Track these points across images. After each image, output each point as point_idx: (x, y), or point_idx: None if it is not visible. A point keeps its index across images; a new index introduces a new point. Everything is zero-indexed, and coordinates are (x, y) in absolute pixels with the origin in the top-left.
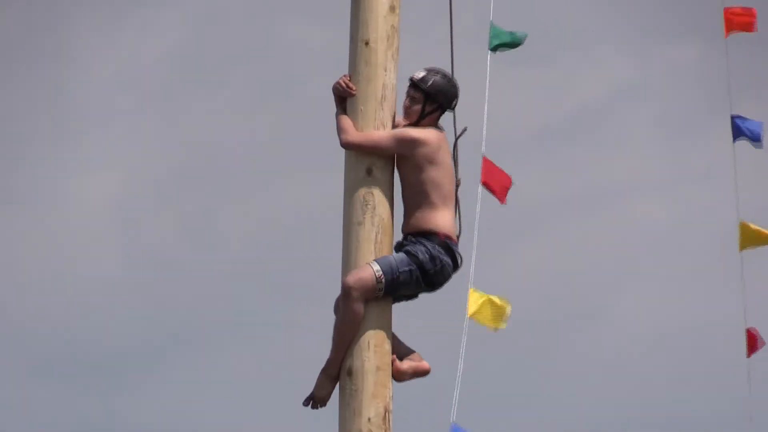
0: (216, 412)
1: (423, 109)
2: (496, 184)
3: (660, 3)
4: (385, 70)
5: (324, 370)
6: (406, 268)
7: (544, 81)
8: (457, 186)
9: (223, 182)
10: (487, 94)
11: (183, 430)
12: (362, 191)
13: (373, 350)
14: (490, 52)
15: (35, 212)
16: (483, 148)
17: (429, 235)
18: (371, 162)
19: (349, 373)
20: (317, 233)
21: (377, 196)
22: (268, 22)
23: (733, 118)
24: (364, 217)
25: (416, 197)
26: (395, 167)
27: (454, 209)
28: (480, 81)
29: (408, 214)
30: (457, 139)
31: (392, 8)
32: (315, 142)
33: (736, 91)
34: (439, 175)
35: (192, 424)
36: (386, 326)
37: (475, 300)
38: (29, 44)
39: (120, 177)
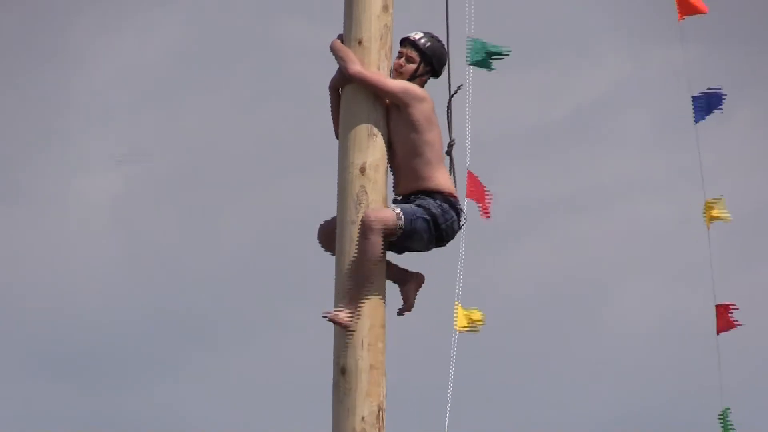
0: (211, 409)
1: (417, 69)
2: (479, 198)
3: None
4: (378, 69)
5: (348, 305)
6: (423, 216)
7: (540, 82)
8: (451, 146)
9: (223, 181)
10: (468, 107)
11: (180, 425)
12: (355, 190)
13: (366, 349)
14: (469, 65)
15: (37, 211)
16: (467, 161)
17: (432, 193)
18: (364, 161)
19: (343, 371)
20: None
21: (371, 194)
22: (265, 21)
23: (693, 99)
24: (357, 216)
25: (412, 157)
26: (388, 133)
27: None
28: (477, 84)
29: (404, 175)
30: (451, 97)
31: (385, 7)
32: (310, 141)
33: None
34: (435, 134)
35: (191, 420)
36: (379, 324)
37: (460, 314)
38: (31, 44)
39: (121, 176)
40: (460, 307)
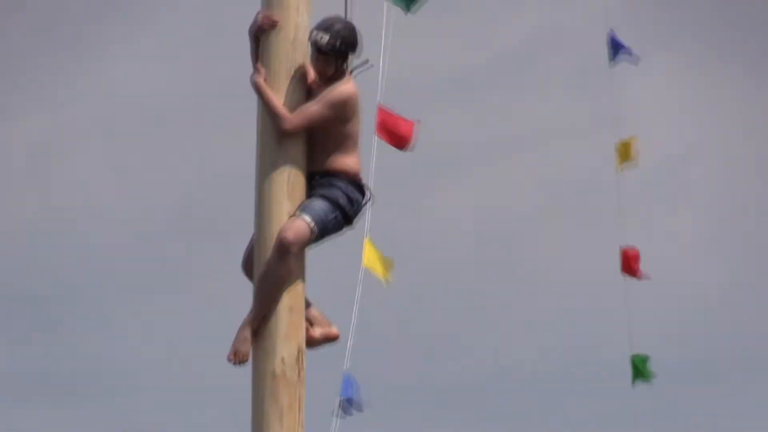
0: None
1: (336, 64)
2: (395, 132)
3: None
4: (297, 12)
5: (247, 325)
6: (332, 216)
7: (463, 27)
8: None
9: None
10: (383, 43)
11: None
12: (286, 63)
13: (286, 291)
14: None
15: None
16: (378, 97)
17: (338, 174)
18: (283, 102)
19: (263, 239)
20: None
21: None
22: None
23: (611, 38)
24: (277, 159)
25: (331, 143)
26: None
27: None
28: (390, 27)
29: (318, 154)
30: (352, 71)
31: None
32: (231, 82)
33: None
34: (356, 123)
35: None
36: (300, 267)
37: (369, 251)
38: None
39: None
40: (369, 243)
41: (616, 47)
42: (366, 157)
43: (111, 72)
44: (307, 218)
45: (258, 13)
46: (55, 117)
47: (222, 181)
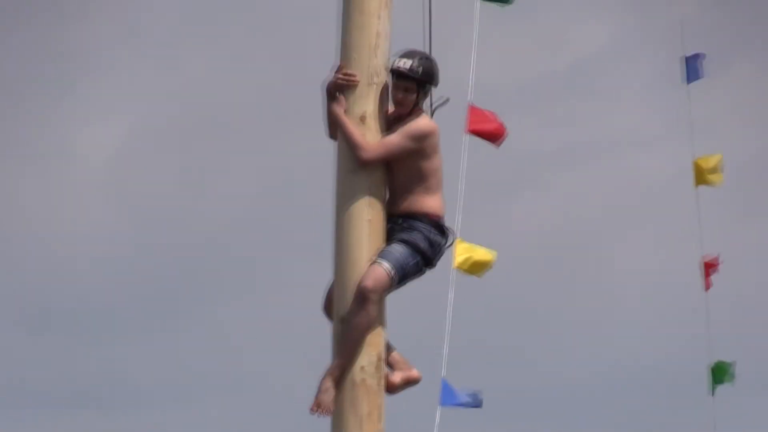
0: (212, 357)
1: (417, 96)
2: (487, 129)
3: None
4: (379, 18)
5: (330, 375)
6: (412, 261)
7: (539, 32)
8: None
9: (223, 133)
10: (475, 41)
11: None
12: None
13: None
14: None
15: (39, 164)
16: (470, 96)
17: (419, 216)
18: (364, 110)
19: (343, 321)
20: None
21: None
22: None
23: (686, 59)
24: (355, 197)
25: (413, 182)
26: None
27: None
28: (468, 30)
29: (400, 196)
30: (434, 109)
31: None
32: (309, 92)
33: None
34: (437, 161)
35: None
36: (381, 312)
37: (461, 251)
38: None
39: (122, 127)
40: (462, 242)
41: (690, 68)
42: (455, 158)
43: None
44: (387, 265)
45: (335, 69)
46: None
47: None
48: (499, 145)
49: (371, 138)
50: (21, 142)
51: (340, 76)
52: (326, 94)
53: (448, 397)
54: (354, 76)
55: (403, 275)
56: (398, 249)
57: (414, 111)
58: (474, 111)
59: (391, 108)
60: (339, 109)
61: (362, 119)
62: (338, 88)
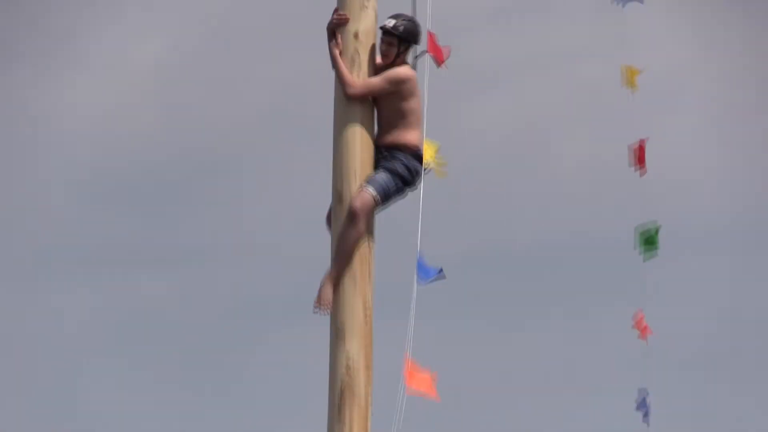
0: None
1: (398, 50)
2: (436, 52)
3: None
4: (368, 58)
5: (328, 279)
6: (393, 185)
7: None
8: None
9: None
10: None
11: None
12: (350, 51)
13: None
14: None
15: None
16: (428, 24)
17: (400, 147)
18: (357, 28)
19: (340, 200)
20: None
21: (362, 54)
22: None
23: None
24: (351, 73)
25: (395, 119)
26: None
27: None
28: None
29: (384, 130)
30: (416, 58)
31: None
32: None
33: None
34: (416, 103)
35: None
36: (369, 228)
37: (428, 147)
38: None
39: (159, 42)
40: (427, 142)
41: None
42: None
43: None
44: (372, 190)
45: (334, 12)
46: None
47: None
48: (442, 65)
49: (364, 54)
50: (79, 53)
51: (335, 16)
52: (328, 34)
53: (424, 274)
54: (345, 15)
55: (385, 197)
56: (382, 176)
57: (397, 62)
58: (431, 37)
59: (379, 60)
60: (335, 49)
61: (356, 36)
62: (336, 27)
